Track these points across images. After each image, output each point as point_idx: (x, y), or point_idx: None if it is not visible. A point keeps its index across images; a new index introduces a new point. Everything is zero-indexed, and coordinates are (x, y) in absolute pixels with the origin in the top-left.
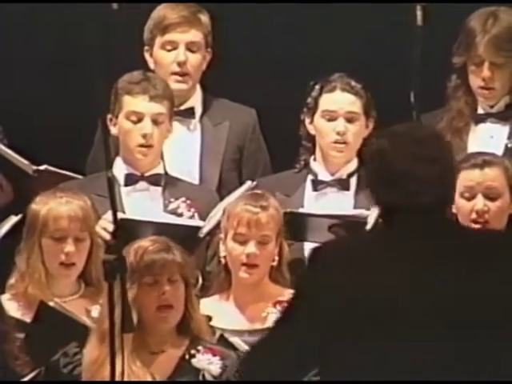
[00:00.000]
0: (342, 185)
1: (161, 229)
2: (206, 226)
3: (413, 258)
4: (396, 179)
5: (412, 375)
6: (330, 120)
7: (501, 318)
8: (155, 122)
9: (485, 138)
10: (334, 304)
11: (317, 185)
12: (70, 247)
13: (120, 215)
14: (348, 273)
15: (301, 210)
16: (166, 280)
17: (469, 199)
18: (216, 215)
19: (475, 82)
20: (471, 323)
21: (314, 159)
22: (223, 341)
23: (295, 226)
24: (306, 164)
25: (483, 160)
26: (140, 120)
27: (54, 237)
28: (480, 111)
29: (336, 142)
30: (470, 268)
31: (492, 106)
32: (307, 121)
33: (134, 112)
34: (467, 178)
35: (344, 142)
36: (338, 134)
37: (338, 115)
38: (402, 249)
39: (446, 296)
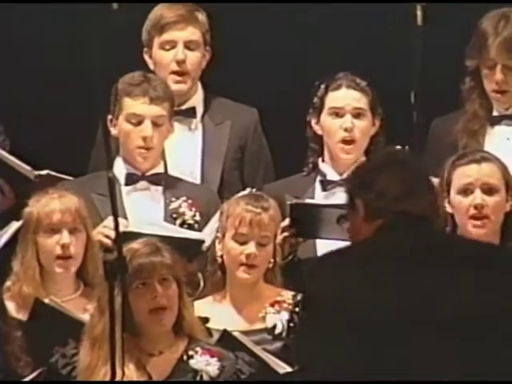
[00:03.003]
0: None
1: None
2: (209, 240)
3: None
4: None
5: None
6: (336, 117)
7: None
8: (155, 124)
9: (501, 139)
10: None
11: (326, 185)
12: (65, 239)
13: (122, 224)
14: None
15: (307, 201)
16: (156, 282)
17: (466, 195)
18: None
19: (489, 85)
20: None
21: (323, 160)
22: (227, 336)
23: (304, 221)
24: (315, 166)
25: (481, 156)
26: (140, 122)
27: (48, 231)
28: (495, 113)
29: (344, 141)
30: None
31: (507, 109)
32: (313, 121)
33: (134, 114)
34: (465, 173)
35: (352, 140)
36: (346, 130)
37: (344, 112)
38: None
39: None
